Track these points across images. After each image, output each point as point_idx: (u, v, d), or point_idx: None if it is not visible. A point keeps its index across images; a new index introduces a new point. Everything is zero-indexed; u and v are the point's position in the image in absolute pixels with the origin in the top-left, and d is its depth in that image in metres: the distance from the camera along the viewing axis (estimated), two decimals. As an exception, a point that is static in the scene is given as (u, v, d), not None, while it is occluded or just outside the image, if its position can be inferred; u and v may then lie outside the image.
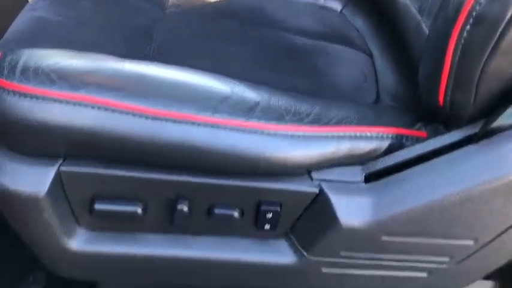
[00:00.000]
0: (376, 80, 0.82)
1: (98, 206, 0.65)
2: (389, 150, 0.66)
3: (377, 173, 0.66)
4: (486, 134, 0.62)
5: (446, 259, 0.71)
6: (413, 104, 0.74)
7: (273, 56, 0.79)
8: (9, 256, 1.02)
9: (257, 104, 0.63)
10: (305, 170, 0.66)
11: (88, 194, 0.65)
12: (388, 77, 0.83)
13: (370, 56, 0.87)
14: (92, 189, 0.64)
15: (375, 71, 0.84)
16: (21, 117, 0.57)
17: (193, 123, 0.60)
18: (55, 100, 0.57)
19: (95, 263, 0.70)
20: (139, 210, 0.65)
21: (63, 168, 0.62)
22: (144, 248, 0.70)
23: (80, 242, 0.68)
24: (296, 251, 0.71)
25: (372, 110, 0.70)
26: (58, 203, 0.64)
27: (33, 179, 0.61)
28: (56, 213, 0.64)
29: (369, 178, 0.66)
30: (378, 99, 0.78)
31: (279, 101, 0.64)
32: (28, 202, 0.62)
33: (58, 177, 0.62)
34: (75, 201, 0.65)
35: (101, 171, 0.63)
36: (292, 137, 0.62)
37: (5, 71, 0.58)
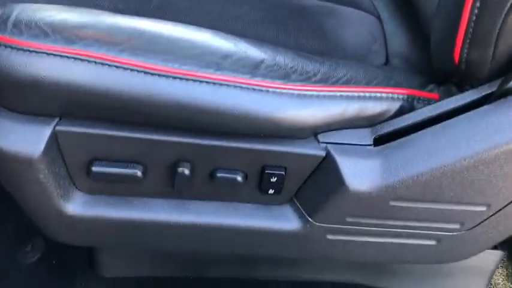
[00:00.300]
0: (385, 43, 0.79)
1: (96, 168, 0.62)
2: (400, 112, 0.63)
3: (386, 135, 0.63)
4: (503, 93, 0.59)
5: (456, 226, 0.69)
6: (425, 67, 0.71)
7: (278, 15, 0.75)
8: (7, 224, 1.00)
9: (262, 61, 0.60)
10: (311, 132, 0.63)
11: (85, 155, 0.62)
12: (397, 39, 0.79)
13: (379, 18, 0.84)
14: (90, 151, 0.62)
15: (384, 34, 0.80)
16: (13, 72, 0.54)
17: (195, 81, 0.57)
18: (49, 54, 0.54)
19: (93, 228, 0.68)
20: (139, 173, 0.63)
21: (59, 128, 0.59)
22: (144, 212, 0.68)
23: (77, 205, 0.66)
24: (301, 216, 0.69)
25: (382, 71, 0.67)
26: (54, 164, 0.61)
27: (28, 139, 0.59)
28: (52, 175, 0.62)
29: (378, 141, 0.63)
30: (387, 62, 0.75)
31: (285, 59, 0.61)
32: (23, 163, 0.59)
33: (54, 137, 0.59)
34: (72, 163, 0.63)
35: (99, 131, 0.60)
36: (299, 96, 0.59)
37: None
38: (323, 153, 0.63)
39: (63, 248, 0.91)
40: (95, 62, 0.55)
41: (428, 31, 0.68)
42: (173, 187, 0.65)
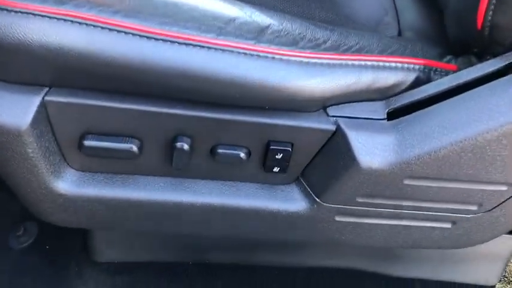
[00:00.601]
0: (397, 15, 0.74)
1: (88, 143, 0.58)
2: (416, 84, 0.59)
3: (401, 109, 0.59)
4: (529, 62, 0.55)
5: (474, 208, 0.64)
6: (439, 39, 0.67)
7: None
8: (-1, 208, 0.96)
9: (268, 27, 0.55)
10: (320, 105, 0.58)
11: (77, 128, 0.58)
12: (409, 12, 0.75)
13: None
14: (82, 123, 0.57)
15: (395, 6, 0.76)
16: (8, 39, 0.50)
17: (194, 46, 0.52)
18: (36, 15, 0.50)
19: (85, 208, 0.64)
20: (134, 148, 0.59)
21: (48, 98, 0.55)
22: (140, 191, 0.63)
23: (68, 183, 0.62)
24: (307, 196, 0.65)
25: (396, 40, 0.63)
26: (43, 138, 0.57)
27: (15, 110, 0.54)
28: (41, 150, 0.57)
29: (392, 115, 0.59)
30: (399, 35, 0.70)
31: (292, 24, 0.57)
32: (10, 135, 0.55)
33: (43, 108, 0.55)
34: (62, 137, 0.59)
35: (91, 102, 0.56)
36: (308, 64, 0.55)
37: None
38: (333, 128, 0.58)
39: (56, 233, 0.87)
40: (86, 24, 0.50)
41: (441, 2, 0.63)
42: (171, 164, 0.60)
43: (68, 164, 0.62)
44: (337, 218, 0.65)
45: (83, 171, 0.62)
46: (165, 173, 0.64)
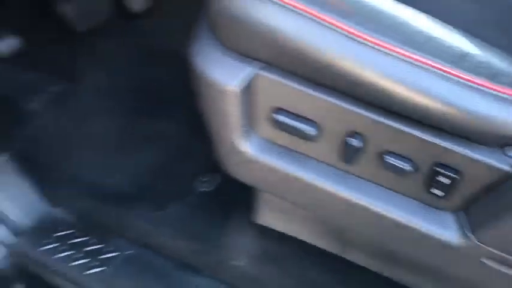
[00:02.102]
0: None
1: (278, 117, 0.67)
2: None
3: None
4: None
5: None
6: None
7: (499, 13, 0.70)
8: (198, 155, 1.14)
9: (468, 54, 0.57)
10: (500, 142, 0.58)
11: (273, 103, 0.67)
12: None
13: None
14: (278, 100, 0.66)
15: None
16: (242, 15, 0.60)
17: (431, 71, 0.55)
18: (274, 3, 0.58)
19: (261, 170, 0.73)
20: (313, 132, 0.66)
21: (260, 72, 0.64)
22: (310, 173, 0.70)
23: (253, 146, 0.72)
24: (462, 228, 0.64)
25: None
26: (245, 103, 0.68)
27: (232, 73, 0.65)
28: (240, 113, 0.68)
29: None
30: None
31: (496, 58, 0.57)
32: (222, 93, 0.66)
33: (253, 78, 0.65)
34: (259, 107, 0.69)
35: (292, 84, 0.63)
36: (504, 100, 0.55)
37: None
38: (509, 169, 0.57)
39: (233, 188, 1.00)
40: (321, 25, 0.57)
41: None
42: (343, 157, 0.66)
43: (257, 131, 0.72)
44: (484, 260, 0.64)
45: (266, 139, 0.72)
46: (335, 164, 0.69)
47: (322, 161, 0.71)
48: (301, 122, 0.66)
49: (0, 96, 1.23)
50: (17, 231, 0.99)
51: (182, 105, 1.18)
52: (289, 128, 0.67)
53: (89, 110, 1.28)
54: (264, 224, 1.00)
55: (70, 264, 0.94)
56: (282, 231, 0.99)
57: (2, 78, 1.30)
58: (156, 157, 1.16)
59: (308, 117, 0.66)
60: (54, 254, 0.96)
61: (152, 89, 1.32)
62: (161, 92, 1.30)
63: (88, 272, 0.93)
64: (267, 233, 1.00)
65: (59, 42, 1.40)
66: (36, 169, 1.07)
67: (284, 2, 0.58)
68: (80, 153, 1.17)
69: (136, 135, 1.21)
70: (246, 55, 0.65)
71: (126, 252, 0.97)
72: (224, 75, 0.65)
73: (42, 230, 1.01)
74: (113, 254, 0.96)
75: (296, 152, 0.72)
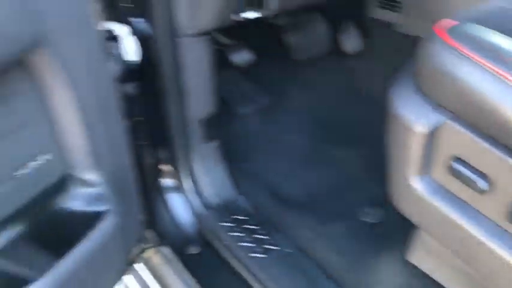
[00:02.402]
0: None
1: (456, 165, 0.74)
2: None
3: None
4: None
5: None
6: None
7: None
8: (364, 186, 1.24)
9: None
10: None
11: (454, 151, 0.74)
12: None
13: None
14: (459, 149, 0.73)
15: None
16: (440, 67, 0.70)
17: None
18: (471, 62, 0.67)
19: (424, 209, 0.80)
20: (485, 186, 0.70)
21: (449, 121, 0.72)
22: (473, 225, 0.74)
23: (424, 185, 0.79)
24: None
25: None
26: (427, 145, 0.76)
27: (424, 117, 0.74)
28: (421, 153, 0.76)
29: None
30: None
31: None
32: (411, 131, 0.75)
33: (442, 126, 0.73)
34: (440, 152, 0.76)
35: (477, 139, 0.69)
36: None
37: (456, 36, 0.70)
38: None
39: (391, 227, 1.07)
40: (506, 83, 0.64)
41: None
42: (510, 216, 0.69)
43: (431, 172, 0.79)
44: None
45: (438, 183, 0.79)
46: (501, 222, 0.72)
47: (487, 217, 0.74)
48: (475, 174, 0.72)
49: (225, 98, 1.51)
50: (207, 206, 1.21)
51: (367, 142, 1.30)
52: (463, 177, 0.73)
53: (286, 125, 1.49)
54: (415, 264, 1.05)
55: (239, 244, 1.12)
56: (430, 274, 1.02)
57: (230, 83, 1.59)
58: (331, 178, 1.30)
59: (483, 171, 0.71)
60: (230, 232, 1.14)
61: (345, 121, 1.48)
62: (353, 127, 1.45)
63: (251, 254, 1.10)
64: (414, 271, 1.05)
65: (280, 65, 1.66)
66: (233, 160, 1.29)
67: (477, 61, 0.66)
68: (269, 158, 1.37)
69: (319, 155, 1.38)
70: (439, 104, 0.73)
71: (286, 250, 1.11)
72: (417, 117, 0.75)
73: (225, 210, 1.21)
74: (275, 248, 1.11)
75: (464, 201, 0.77)
